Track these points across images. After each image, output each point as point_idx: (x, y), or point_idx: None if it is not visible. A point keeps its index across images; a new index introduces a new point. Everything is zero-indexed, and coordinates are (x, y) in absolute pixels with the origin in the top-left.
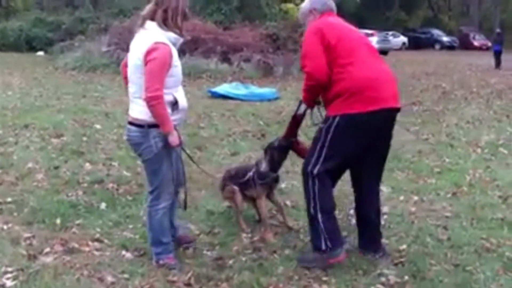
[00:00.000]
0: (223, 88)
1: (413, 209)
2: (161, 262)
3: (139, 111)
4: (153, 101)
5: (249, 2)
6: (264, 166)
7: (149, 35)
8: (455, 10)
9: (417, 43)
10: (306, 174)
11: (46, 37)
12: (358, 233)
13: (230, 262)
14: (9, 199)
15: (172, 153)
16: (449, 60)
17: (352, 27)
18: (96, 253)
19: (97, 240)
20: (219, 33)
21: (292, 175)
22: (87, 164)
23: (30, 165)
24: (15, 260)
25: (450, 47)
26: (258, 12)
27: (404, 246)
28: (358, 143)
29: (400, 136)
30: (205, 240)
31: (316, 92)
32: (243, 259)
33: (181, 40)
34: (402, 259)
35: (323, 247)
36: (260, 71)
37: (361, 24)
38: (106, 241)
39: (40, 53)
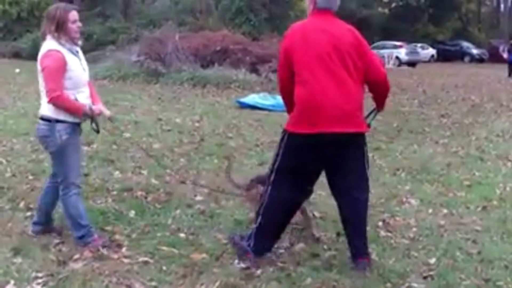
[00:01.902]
0: (252, 98)
1: (442, 222)
2: (90, 246)
3: (46, 107)
4: (54, 100)
5: (278, 13)
6: None
7: (46, 45)
8: (485, 22)
9: (446, 56)
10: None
11: None
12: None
13: (258, 272)
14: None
15: (77, 146)
16: (478, 73)
17: (327, 34)
18: (125, 260)
19: (126, 247)
20: (248, 44)
21: (320, 185)
22: (117, 172)
23: None
24: (45, 266)
25: (479, 60)
26: (286, 23)
27: (433, 260)
28: (305, 162)
29: (429, 148)
30: (232, 249)
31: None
32: (271, 269)
33: (75, 47)
34: (431, 273)
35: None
36: None
37: (389, 36)
38: (134, 248)
39: None
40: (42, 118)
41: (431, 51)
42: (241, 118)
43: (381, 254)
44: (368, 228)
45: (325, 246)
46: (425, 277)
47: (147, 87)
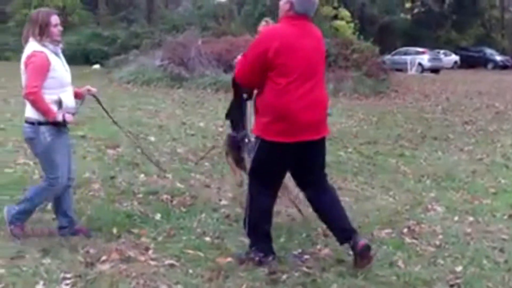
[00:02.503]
0: None
1: (468, 230)
2: (12, 226)
3: (30, 110)
4: (30, 96)
5: None
6: None
7: (29, 47)
8: (508, 28)
9: (469, 62)
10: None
11: (102, 51)
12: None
13: (284, 277)
14: None
15: (63, 147)
16: (502, 80)
17: (308, 38)
18: (152, 262)
19: (152, 250)
20: None
21: (344, 191)
22: (142, 175)
23: (87, 174)
24: (73, 267)
25: (503, 67)
26: None
27: (460, 268)
28: (283, 166)
29: (454, 155)
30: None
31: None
32: (296, 274)
33: (58, 48)
34: (458, 281)
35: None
36: None
37: (412, 42)
38: (160, 251)
39: (96, 66)
40: (27, 121)
41: (454, 57)
42: None
43: (407, 261)
44: (393, 235)
45: (350, 252)
46: (451, 285)
47: (170, 92)
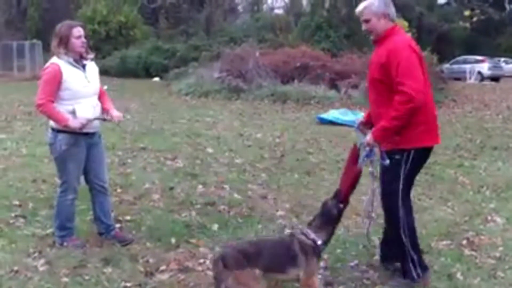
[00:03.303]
0: (332, 114)
1: None
2: (65, 244)
3: None
4: (39, 108)
5: (357, 29)
6: (317, 237)
7: (51, 60)
8: None
9: None
10: (395, 210)
11: (162, 64)
12: None
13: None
14: (128, 218)
15: (78, 157)
16: None
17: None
18: (209, 273)
19: (210, 260)
20: (327, 60)
21: None
22: (200, 186)
23: (147, 185)
24: (133, 276)
25: None
26: (365, 39)
27: None
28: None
29: None
30: None
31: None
32: (352, 285)
33: (82, 60)
34: None
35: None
36: (368, 98)
37: (471, 51)
38: None
39: (156, 79)
40: (50, 128)
41: None
42: (321, 133)
43: (466, 273)
44: (451, 247)
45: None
46: None
47: (228, 103)
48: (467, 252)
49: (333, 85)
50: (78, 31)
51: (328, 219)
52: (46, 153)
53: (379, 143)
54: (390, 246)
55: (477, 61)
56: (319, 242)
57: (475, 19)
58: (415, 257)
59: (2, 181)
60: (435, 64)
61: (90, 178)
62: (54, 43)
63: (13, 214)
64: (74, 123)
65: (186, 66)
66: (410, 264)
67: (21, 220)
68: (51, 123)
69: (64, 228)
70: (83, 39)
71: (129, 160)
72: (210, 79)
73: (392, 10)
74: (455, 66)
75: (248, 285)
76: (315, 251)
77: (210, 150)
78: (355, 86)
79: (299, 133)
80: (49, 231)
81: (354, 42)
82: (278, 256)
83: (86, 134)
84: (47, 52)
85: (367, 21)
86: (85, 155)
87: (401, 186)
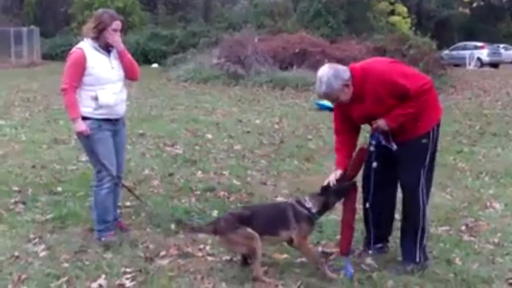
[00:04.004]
0: None
1: None
2: (103, 239)
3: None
4: (63, 91)
5: (356, 15)
6: (311, 206)
7: (77, 44)
8: None
9: None
10: (416, 191)
11: (161, 50)
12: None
13: (341, 274)
14: (127, 204)
15: (105, 141)
16: None
17: None
18: (209, 258)
19: (210, 246)
20: (326, 46)
21: None
22: (199, 172)
23: (146, 171)
24: (133, 262)
25: None
26: (365, 25)
27: None
28: None
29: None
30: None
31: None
32: (352, 271)
33: (97, 45)
34: None
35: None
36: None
37: (471, 37)
38: (218, 247)
39: (155, 65)
40: None
41: None
42: (320, 120)
43: (465, 259)
44: (450, 232)
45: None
46: (510, 284)
47: (227, 89)
48: (466, 237)
49: None
50: (117, 24)
51: (328, 192)
52: (45, 139)
53: (391, 129)
54: (381, 228)
55: (477, 47)
56: (314, 211)
57: (474, 4)
58: (424, 241)
59: (1, 167)
60: (434, 50)
61: None
62: (89, 25)
63: (13, 200)
64: (79, 126)
65: (184, 53)
66: (418, 247)
67: (21, 206)
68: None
69: (103, 221)
70: (118, 33)
71: (128, 146)
72: (209, 65)
73: (340, 71)
74: (455, 52)
75: (243, 244)
76: (309, 218)
77: (209, 136)
78: None
79: (298, 119)
80: (49, 216)
81: (353, 28)
82: (272, 220)
83: (109, 120)
84: (45, 38)
85: (337, 98)
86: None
87: (426, 168)
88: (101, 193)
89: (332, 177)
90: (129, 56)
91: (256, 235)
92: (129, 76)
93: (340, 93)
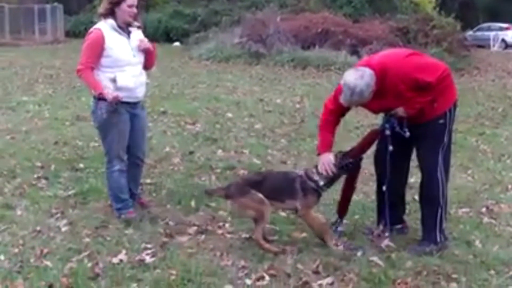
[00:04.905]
0: None
1: None
2: (122, 216)
3: None
4: (78, 72)
5: None
6: (318, 179)
7: (96, 24)
8: None
9: None
10: (435, 171)
11: (183, 29)
12: None
13: (358, 254)
14: (148, 181)
15: (119, 126)
16: None
17: None
18: (228, 236)
19: (229, 223)
20: (349, 25)
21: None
22: (220, 150)
23: (167, 149)
24: (153, 238)
25: None
26: (388, 5)
27: None
28: None
29: None
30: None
31: None
32: (371, 252)
33: (128, 27)
34: None
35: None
36: None
37: (495, 18)
38: (237, 225)
39: (177, 43)
40: (92, 96)
41: None
42: None
43: (484, 241)
44: (471, 214)
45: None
46: None
47: (248, 68)
48: (486, 220)
49: (354, 51)
50: (132, 0)
51: (335, 166)
52: (68, 116)
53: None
54: (397, 209)
55: (502, 29)
56: (321, 183)
57: None
58: (444, 222)
59: (25, 143)
60: (458, 31)
61: (129, 151)
62: (104, 4)
63: (35, 176)
64: (109, 95)
65: (206, 31)
66: (438, 228)
67: (44, 181)
68: (93, 91)
69: (119, 200)
70: (134, 9)
71: (150, 124)
72: (231, 44)
73: (369, 79)
74: (479, 33)
75: (252, 208)
76: (315, 190)
77: (230, 115)
78: (376, 52)
79: (319, 99)
80: (71, 192)
81: (376, 8)
82: (280, 187)
83: (128, 103)
84: (68, 15)
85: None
86: (129, 125)
87: (445, 148)
88: (113, 175)
89: (328, 163)
90: (155, 53)
91: (266, 200)
92: (145, 65)
93: (367, 99)
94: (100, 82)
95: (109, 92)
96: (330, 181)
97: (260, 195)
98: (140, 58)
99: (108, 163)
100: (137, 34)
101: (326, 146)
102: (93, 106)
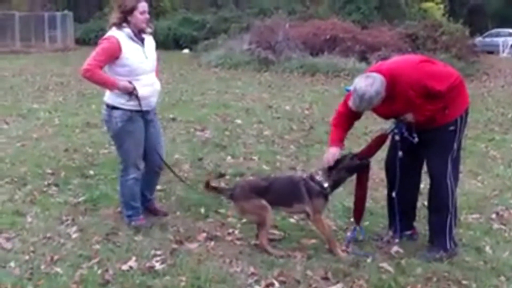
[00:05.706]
0: None
1: None
2: (133, 223)
3: (107, 94)
4: (85, 73)
5: (388, 1)
6: (323, 181)
7: (108, 32)
8: None
9: None
10: (444, 177)
11: (192, 36)
12: None
13: (368, 260)
14: (158, 187)
15: (135, 134)
16: None
17: None
18: (237, 242)
19: (238, 230)
20: (358, 32)
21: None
22: (229, 157)
23: (177, 156)
24: (163, 245)
25: None
26: (397, 12)
27: None
28: None
29: None
30: (342, 236)
31: None
32: (381, 258)
33: (141, 35)
34: None
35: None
36: None
37: (505, 24)
38: (246, 231)
39: (186, 51)
40: (105, 104)
41: None
42: None
43: (495, 247)
44: (480, 220)
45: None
46: None
47: (257, 75)
48: (496, 226)
49: (363, 57)
50: (143, 6)
51: (340, 167)
52: (78, 123)
53: (418, 122)
54: (407, 215)
55: (511, 34)
56: (325, 185)
57: None
58: (454, 228)
59: (35, 150)
60: (467, 37)
61: (147, 158)
62: (116, 14)
63: (46, 182)
64: (125, 87)
65: (215, 38)
66: (448, 234)
67: (54, 188)
68: (106, 99)
69: (130, 207)
70: (147, 15)
71: None
72: (240, 51)
73: (379, 86)
74: (488, 39)
75: (254, 213)
76: (321, 193)
77: (239, 121)
78: (385, 59)
79: (328, 106)
80: (81, 199)
81: (385, 14)
82: (285, 192)
83: (141, 111)
84: (79, 23)
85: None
86: (144, 132)
87: (454, 154)
88: (127, 183)
89: (332, 156)
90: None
91: (268, 206)
92: None
93: (376, 105)
94: (110, 77)
95: (125, 83)
96: (335, 183)
97: (263, 201)
98: (153, 65)
99: (123, 170)
100: (149, 41)
101: (336, 140)
102: (106, 115)
